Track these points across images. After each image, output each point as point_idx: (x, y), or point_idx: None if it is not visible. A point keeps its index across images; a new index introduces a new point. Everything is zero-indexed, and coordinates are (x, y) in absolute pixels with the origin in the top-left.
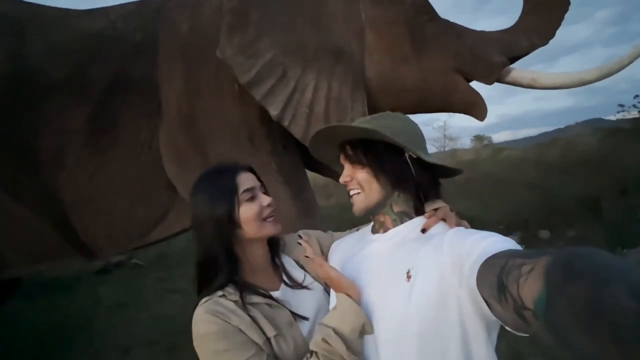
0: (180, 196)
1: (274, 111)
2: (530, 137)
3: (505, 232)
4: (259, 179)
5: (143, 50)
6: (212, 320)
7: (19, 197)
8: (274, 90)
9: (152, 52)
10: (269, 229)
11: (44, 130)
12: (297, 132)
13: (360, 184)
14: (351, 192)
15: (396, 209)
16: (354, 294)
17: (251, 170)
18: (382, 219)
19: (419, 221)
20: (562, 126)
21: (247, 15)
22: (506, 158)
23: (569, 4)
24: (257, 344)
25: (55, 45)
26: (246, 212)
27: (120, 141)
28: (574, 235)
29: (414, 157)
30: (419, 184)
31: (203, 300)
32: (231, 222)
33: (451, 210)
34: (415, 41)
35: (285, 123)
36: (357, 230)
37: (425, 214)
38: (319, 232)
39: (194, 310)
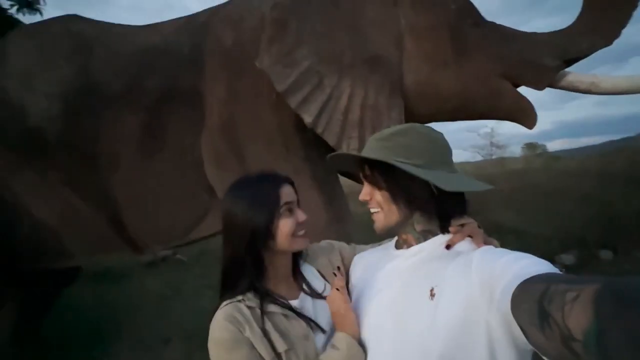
0: (218, 198)
1: (308, 118)
2: (592, 146)
3: (559, 249)
4: (296, 192)
5: (191, 62)
6: (226, 327)
7: (82, 195)
8: (309, 98)
9: (198, 64)
10: (299, 245)
11: (104, 136)
12: (330, 139)
13: (379, 204)
14: (371, 210)
15: (419, 227)
16: (355, 335)
17: (292, 183)
18: (404, 236)
19: (443, 238)
20: (630, 134)
21: (285, 25)
22: (562, 168)
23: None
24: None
25: (116, 59)
26: (283, 226)
27: (167, 146)
28: None
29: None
30: (441, 203)
31: (224, 303)
32: (267, 232)
33: (479, 227)
34: (456, 46)
35: (319, 130)
36: (380, 245)
37: (451, 229)
38: (342, 244)
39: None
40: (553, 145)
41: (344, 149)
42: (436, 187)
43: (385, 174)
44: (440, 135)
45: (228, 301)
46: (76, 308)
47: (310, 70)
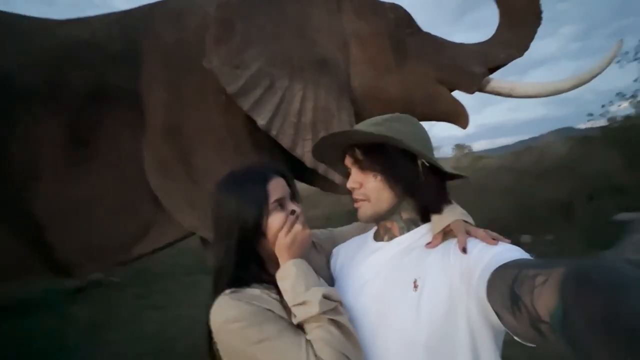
0: (163, 209)
1: (261, 121)
2: (507, 146)
3: None
4: (289, 183)
5: (125, 59)
6: (239, 303)
7: None
8: (261, 100)
9: (134, 62)
10: None
11: (18, 140)
12: (285, 141)
13: (369, 193)
14: (357, 199)
15: (405, 216)
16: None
17: (283, 174)
18: (389, 225)
19: (425, 229)
20: (536, 135)
21: (232, 25)
22: (484, 166)
23: (541, 18)
24: (287, 321)
25: (30, 54)
26: (273, 222)
27: (100, 152)
28: (551, 238)
29: (427, 164)
30: (429, 190)
31: (226, 291)
32: (257, 232)
33: (465, 221)
34: (397, 53)
35: (273, 133)
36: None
37: (436, 234)
38: (315, 232)
39: (209, 310)
40: (477, 146)
41: (298, 151)
42: (424, 173)
43: (381, 158)
44: (423, 126)
45: (229, 290)
46: None
47: (261, 72)
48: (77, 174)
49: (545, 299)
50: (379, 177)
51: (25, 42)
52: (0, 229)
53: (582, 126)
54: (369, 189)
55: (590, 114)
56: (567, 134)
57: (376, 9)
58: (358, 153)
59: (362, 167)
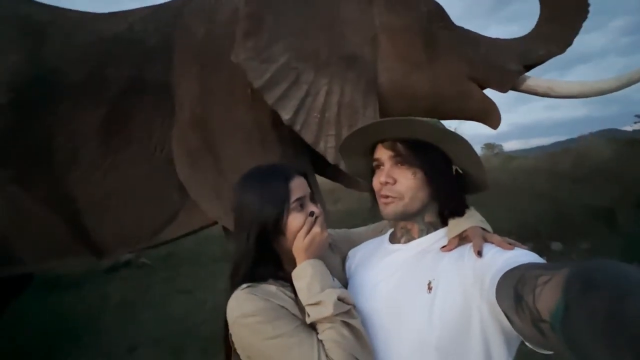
0: (191, 197)
1: (286, 115)
2: (542, 147)
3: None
4: (309, 184)
5: (159, 53)
6: (255, 299)
7: (34, 195)
8: (286, 94)
9: (167, 55)
10: None
11: (61, 130)
12: (308, 136)
13: (404, 190)
14: (387, 195)
15: (427, 219)
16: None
17: (304, 175)
18: (409, 226)
19: (442, 233)
20: (574, 136)
21: (261, 20)
22: (517, 167)
23: (587, 12)
24: (301, 320)
25: (74, 47)
26: (292, 222)
27: (133, 142)
28: (587, 247)
29: (460, 171)
30: (456, 195)
31: (243, 286)
32: (276, 229)
33: (483, 228)
34: (428, 48)
35: (297, 127)
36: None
37: (452, 238)
38: (331, 232)
39: (227, 301)
40: (508, 146)
41: (321, 147)
42: (457, 176)
43: (425, 157)
44: None
45: (246, 284)
46: (29, 319)
47: (287, 67)
48: (112, 163)
49: (546, 297)
50: (418, 176)
51: (70, 36)
52: (45, 212)
53: (629, 128)
54: (405, 186)
55: (639, 115)
56: (609, 136)
57: (408, 2)
58: (401, 147)
59: (403, 163)
